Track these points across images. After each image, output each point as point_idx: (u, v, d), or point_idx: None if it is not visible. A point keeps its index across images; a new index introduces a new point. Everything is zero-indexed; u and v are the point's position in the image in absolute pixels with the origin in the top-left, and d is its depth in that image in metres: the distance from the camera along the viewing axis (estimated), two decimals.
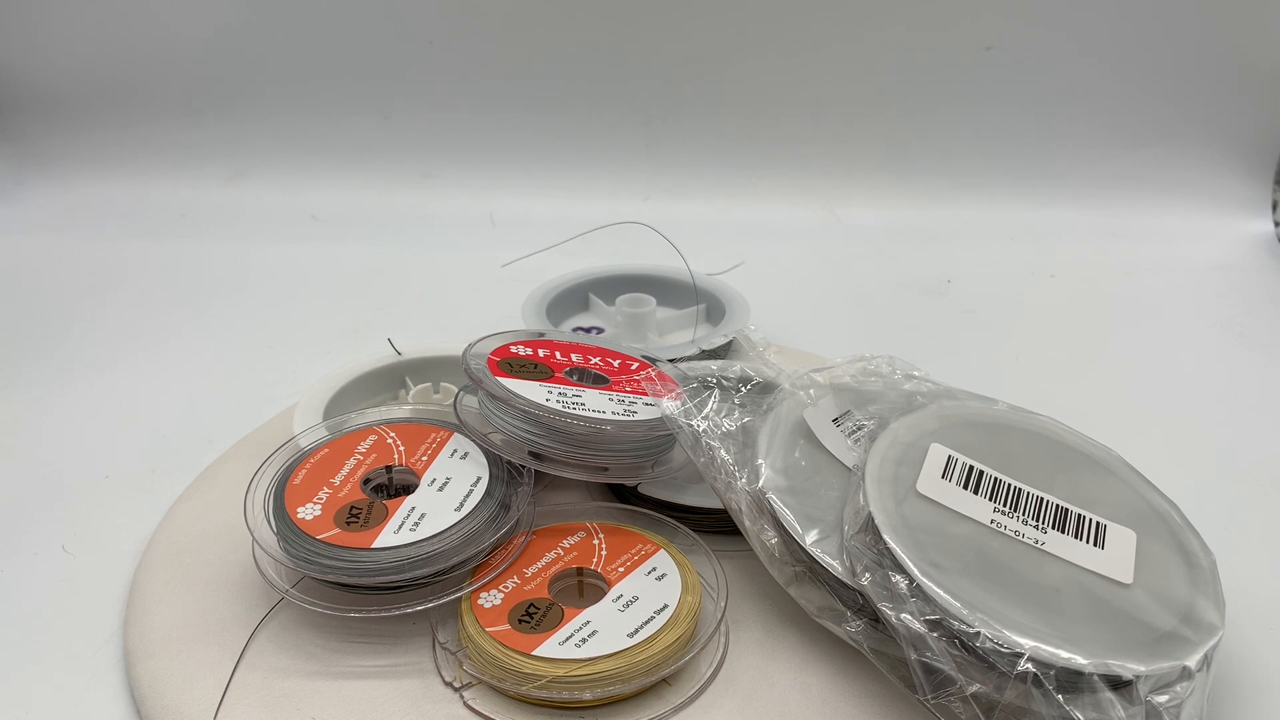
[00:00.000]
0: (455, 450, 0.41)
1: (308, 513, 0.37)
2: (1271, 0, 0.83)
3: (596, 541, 0.39)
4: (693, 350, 0.56)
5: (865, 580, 0.34)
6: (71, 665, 0.38)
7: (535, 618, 0.35)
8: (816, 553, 0.36)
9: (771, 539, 0.37)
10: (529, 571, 0.37)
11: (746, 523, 0.38)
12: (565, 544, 0.39)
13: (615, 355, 0.47)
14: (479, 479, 0.39)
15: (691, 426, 0.40)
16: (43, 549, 0.45)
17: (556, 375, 0.43)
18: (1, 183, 0.93)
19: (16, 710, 0.36)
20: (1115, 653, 0.31)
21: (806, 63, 0.90)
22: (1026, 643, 0.31)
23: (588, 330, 0.63)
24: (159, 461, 0.52)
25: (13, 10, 0.91)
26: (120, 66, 0.93)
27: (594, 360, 0.46)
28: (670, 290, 0.67)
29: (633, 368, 0.46)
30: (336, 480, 0.39)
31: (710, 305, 0.65)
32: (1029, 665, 0.31)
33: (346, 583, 0.37)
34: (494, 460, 0.41)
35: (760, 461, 0.39)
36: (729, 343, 0.58)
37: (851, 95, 0.90)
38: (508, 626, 0.35)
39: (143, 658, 0.37)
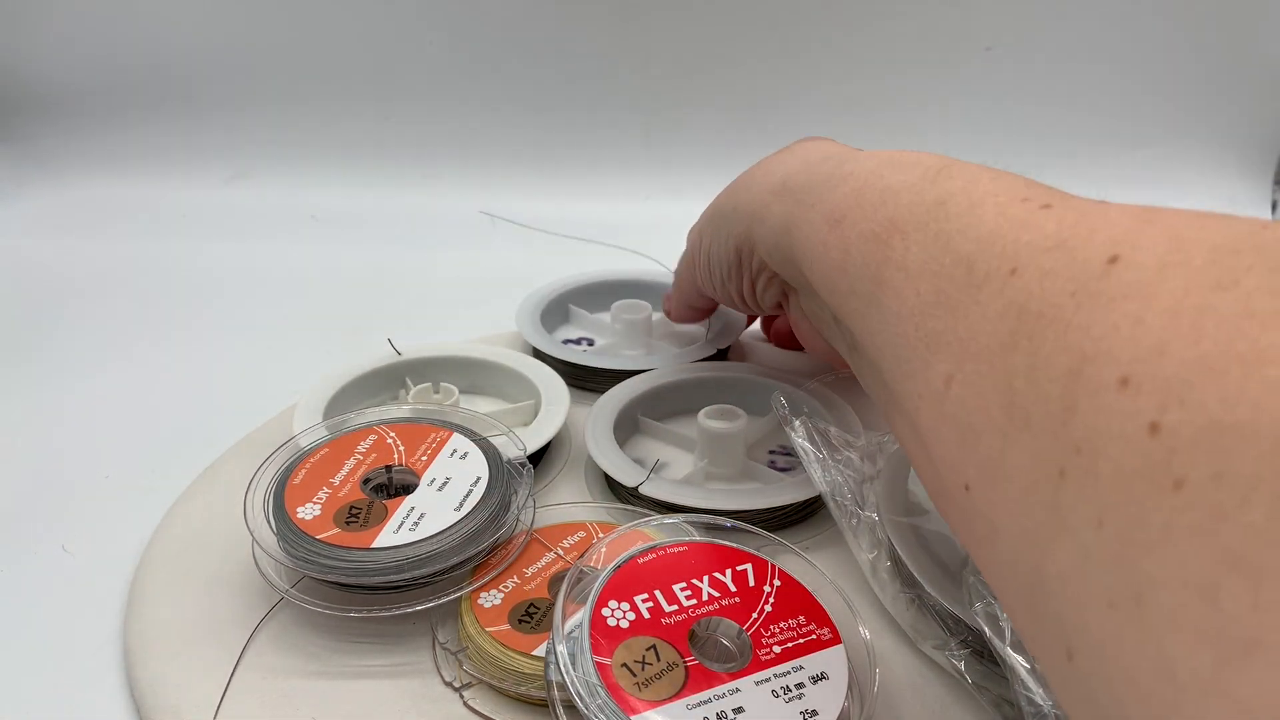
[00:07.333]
0: (455, 450, 0.41)
1: (307, 513, 0.37)
2: (1271, 0, 0.83)
3: (596, 541, 0.39)
4: (696, 353, 0.56)
5: (979, 612, 0.33)
6: (71, 665, 0.38)
7: (535, 618, 0.35)
8: (927, 584, 0.36)
9: (884, 564, 0.38)
10: (529, 571, 0.37)
11: (861, 548, 0.39)
12: (565, 544, 0.39)
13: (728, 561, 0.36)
14: (479, 479, 0.39)
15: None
16: (43, 549, 0.45)
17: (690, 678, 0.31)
18: (1, 183, 0.93)
19: (16, 710, 0.36)
20: None
21: (806, 62, 0.90)
22: None
23: (576, 342, 0.62)
24: (159, 461, 0.52)
25: (13, 10, 0.91)
26: (120, 66, 0.93)
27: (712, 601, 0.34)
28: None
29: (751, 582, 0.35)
30: (336, 480, 0.39)
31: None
32: None
33: (346, 583, 0.37)
34: (494, 460, 0.41)
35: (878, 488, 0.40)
36: (730, 346, 0.58)
37: (851, 95, 0.90)
38: (508, 626, 0.35)
39: (143, 658, 0.37)
